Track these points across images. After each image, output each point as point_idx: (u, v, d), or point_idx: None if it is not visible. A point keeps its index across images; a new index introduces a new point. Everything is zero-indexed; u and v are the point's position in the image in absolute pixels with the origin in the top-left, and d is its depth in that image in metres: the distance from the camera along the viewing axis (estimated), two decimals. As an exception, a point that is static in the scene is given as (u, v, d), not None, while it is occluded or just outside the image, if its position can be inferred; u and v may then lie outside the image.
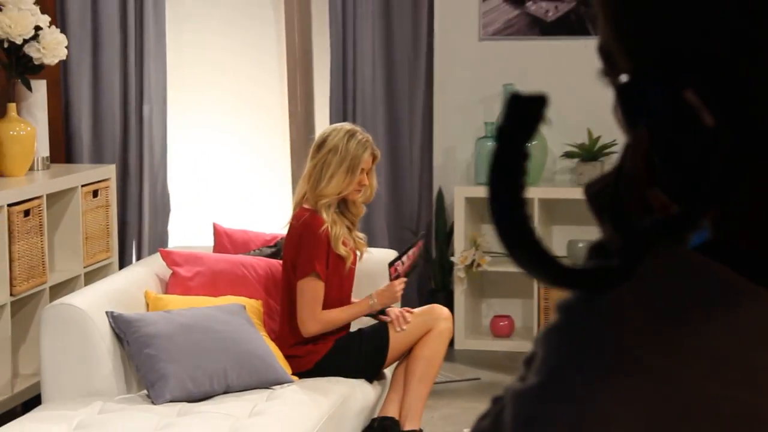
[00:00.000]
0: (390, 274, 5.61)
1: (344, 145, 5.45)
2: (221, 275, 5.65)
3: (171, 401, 4.94)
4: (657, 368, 1.06)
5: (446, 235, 7.57)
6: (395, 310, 5.51)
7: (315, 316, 5.38)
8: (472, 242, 7.40)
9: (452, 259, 7.36)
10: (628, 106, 1.07)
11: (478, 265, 7.36)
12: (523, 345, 7.39)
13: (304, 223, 5.40)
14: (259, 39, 7.70)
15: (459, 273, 7.42)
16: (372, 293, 5.54)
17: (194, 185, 7.59)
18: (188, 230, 7.31)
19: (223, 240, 6.02)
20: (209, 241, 6.27)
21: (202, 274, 5.64)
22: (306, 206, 5.45)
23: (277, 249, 5.90)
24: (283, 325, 5.51)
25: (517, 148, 1.03)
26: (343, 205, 5.52)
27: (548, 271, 1.05)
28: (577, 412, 1.07)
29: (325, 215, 5.38)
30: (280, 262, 5.68)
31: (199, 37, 7.56)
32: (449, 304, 6.67)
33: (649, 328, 1.07)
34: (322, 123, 7.61)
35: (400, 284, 5.54)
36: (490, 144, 7.40)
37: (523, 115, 1.03)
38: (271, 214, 7.53)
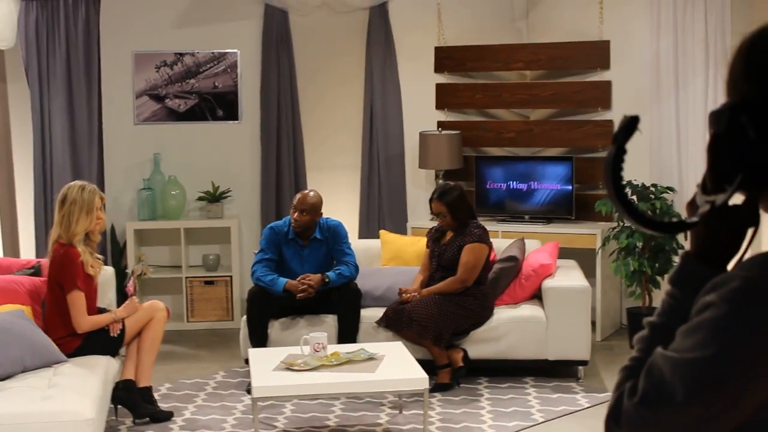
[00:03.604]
0: (128, 293, 5.42)
1: (80, 196, 5.18)
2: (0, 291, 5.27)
3: (-14, 382, 4.60)
4: None
5: (120, 254, 7.37)
6: (116, 326, 5.26)
7: (84, 318, 5.09)
8: (138, 259, 7.24)
9: (126, 270, 7.17)
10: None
11: (144, 273, 7.20)
12: (177, 325, 7.32)
13: (64, 255, 5.07)
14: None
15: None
16: (120, 307, 5.36)
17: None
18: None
19: (-7, 266, 5.61)
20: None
21: (-14, 291, 5.24)
22: (62, 242, 5.14)
23: (35, 270, 5.56)
24: (51, 322, 5.15)
25: (622, 146, 1.18)
26: (86, 238, 5.27)
27: (639, 220, 1.19)
28: (747, 375, 1.06)
29: (80, 248, 5.12)
30: (42, 279, 5.37)
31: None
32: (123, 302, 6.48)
33: None
34: (24, 189, 7.23)
35: (136, 300, 5.37)
36: (147, 193, 7.30)
37: (630, 125, 1.18)
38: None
